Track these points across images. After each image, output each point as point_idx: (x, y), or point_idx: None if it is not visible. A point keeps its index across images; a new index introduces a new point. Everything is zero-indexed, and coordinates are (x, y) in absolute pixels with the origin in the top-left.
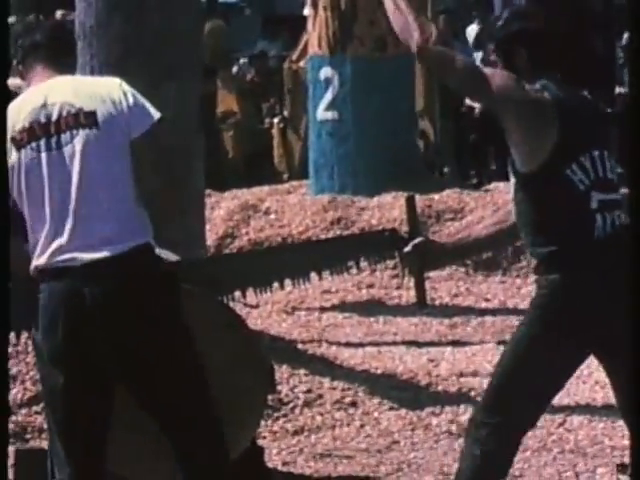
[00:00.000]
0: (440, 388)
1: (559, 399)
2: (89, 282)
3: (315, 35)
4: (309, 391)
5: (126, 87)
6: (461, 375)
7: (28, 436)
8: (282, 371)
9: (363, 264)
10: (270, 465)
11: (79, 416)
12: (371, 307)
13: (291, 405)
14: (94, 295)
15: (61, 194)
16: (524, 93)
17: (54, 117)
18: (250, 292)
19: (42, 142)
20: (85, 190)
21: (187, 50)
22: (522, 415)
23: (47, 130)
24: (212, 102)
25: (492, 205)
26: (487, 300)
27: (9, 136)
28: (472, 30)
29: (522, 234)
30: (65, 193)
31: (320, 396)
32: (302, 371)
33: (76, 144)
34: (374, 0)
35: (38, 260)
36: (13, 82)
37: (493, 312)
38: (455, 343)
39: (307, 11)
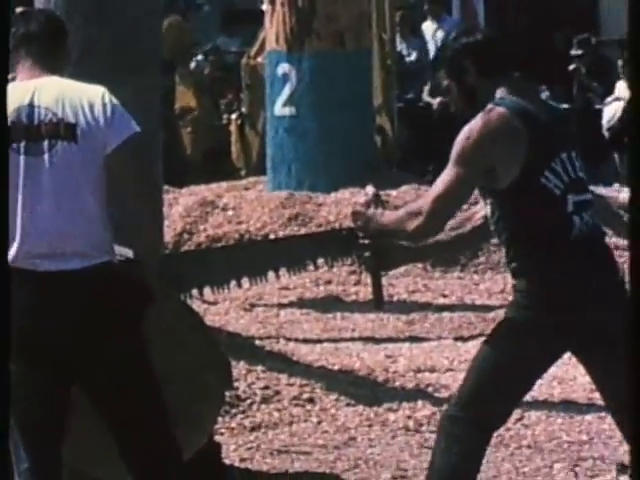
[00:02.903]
0: (397, 384)
1: None
2: (55, 291)
3: (273, 31)
4: (266, 387)
5: (108, 98)
6: (418, 371)
7: None
8: (240, 367)
9: (320, 262)
10: (227, 461)
11: (36, 410)
12: (329, 303)
13: (248, 401)
14: (61, 304)
15: (33, 201)
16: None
17: (35, 121)
18: (208, 290)
19: (22, 145)
20: (57, 202)
21: (146, 46)
22: (497, 412)
23: (27, 133)
24: (170, 98)
25: None
26: (445, 296)
27: None
28: (426, 27)
29: (504, 249)
30: (37, 201)
31: (277, 392)
32: (259, 367)
33: (53, 155)
34: None
35: (11, 255)
36: None
37: (451, 308)
38: (413, 339)
39: (265, 7)
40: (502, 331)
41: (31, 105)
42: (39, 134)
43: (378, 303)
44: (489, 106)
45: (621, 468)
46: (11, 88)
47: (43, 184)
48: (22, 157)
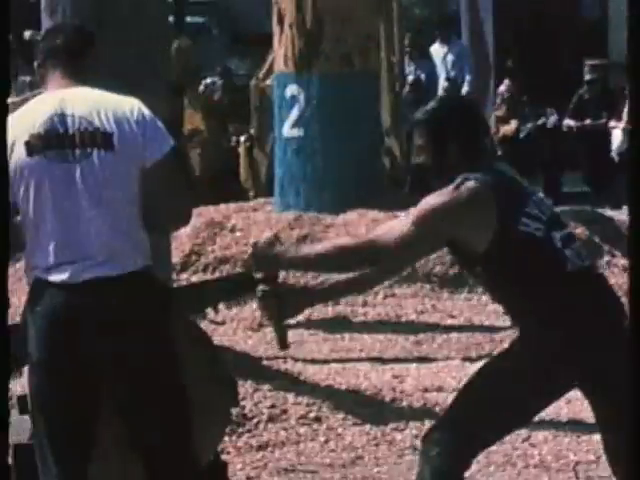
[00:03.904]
0: (404, 404)
1: None
2: (89, 299)
3: (281, 53)
4: (273, 406)
5: (145, 110)
6: (426, 391)
7: None
8: (246, 386)
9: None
10: None
11: (68, 421)
12: (337, 324)
13: (255, 420)
14: (93, 313)
15: (67, 210)
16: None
17: (70, 130)
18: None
19: (56, 153)
20: (91, 210)
21: (155, 69)
22: (481, 442)
23: (62, 142)
24: (179, 120)
25: None
26: (453, 317)
27: (24, 139)
28: (434, 50)
29: (503, 309)
30: (71, 209)
31: (284, 411)
32: (266, 386)
33: (90, 163)
34: (340, 18)
35: (36, 270)
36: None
37: (459, 329)
38: (420, 359)
39: (273, 29)
40: (502, 366)
41: (63, 114)
42: (74, 143)
43: (282, 346)
44: (458, 180)
45: None
46: (40, 99)
47: (78, 192)
48: (56, 166)
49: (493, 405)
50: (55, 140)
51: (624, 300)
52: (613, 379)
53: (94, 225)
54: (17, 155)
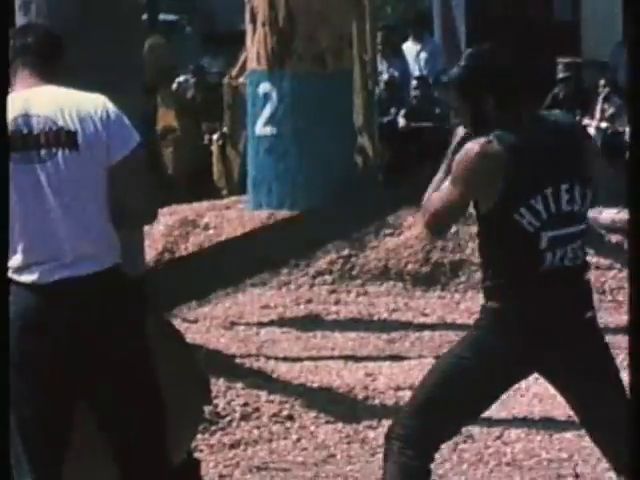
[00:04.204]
0: (377, 402)
1: (497, 412)
2: (58, 300)
3: (254, 50)
4: (246, 404)
5: (110, 107)
6: (398, 389)
7: None
8: (219, 384)
9: (302, 280)
10: (207, 478)
11: (41, 422)
12: (309, 322)
13: (228, 418)
14: (63, 313)
15: (35, 210)
16: (465, 171)
17: (35, 131)
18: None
19: (21, 155)
20: (58, 210)
21: (127, 66)
22: (442, 432)
23: (27, 143)
24: (152, 118)
25: None
26: (425, 315)
27: None
28: (407, 48)
29: (481, 268)
30: (38, 210)
31: (257, 409)
32: (239, 384)
33: (55, 163)
34: (313, 16)
35: (12, 268)
36: None
37: (431, 327)
38: (393, 358)
39: (246, 27)
40: (462, 349)
41: (28, 115)
42: (39, 143)
43: None
44: (489, 138)
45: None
46: (9, 100)
47: (44, 193)
48: (21, 167)
49: (452, 395)
50: (20, 141)
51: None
52: (583, 366)
53: (61, 225)
54: None
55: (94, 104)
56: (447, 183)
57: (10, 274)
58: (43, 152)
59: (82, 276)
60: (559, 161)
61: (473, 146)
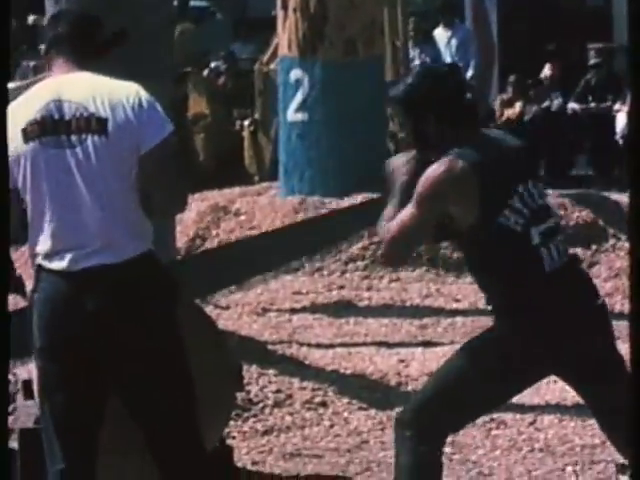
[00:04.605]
0: (410, 388)
1: (530, 398)
2: (88, 287)
3: (285, 37)
4: (279, 391)
5: (143, 95)
6: (431, 375)
7: None
8: (252, 371)
9: (334, 266)
10: (239, 464)
11: (73, 409)
12: (341, 308)
13: (261, 405)
14: (93, 300)
15: (63, 197)
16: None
17: (67, 116)
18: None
19: (51, 139)
20: (88, 196)
21: (156, 52)
22: (454, 425)
23: (58, 128)
24: (183, 105)
25: None
26: (457, 301)
27: (21, 126)
28: (438, 34)
29: (481, 290)
30: (67, 196)
31: (290, 396)
32: (272, 371)
33: (85, 149)
34: (344, 2)
35: (38, 257)
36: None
37: (463, 313)
38: (425, 344)
39: (277, 13)
40: (480, 346)
41: (60, 100)
42: (69, 129)
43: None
44: (448, 157)
45: (621, 468)
46: (41, 85)
47: (74, 178)
48: (52, 151)
49: (466, 391)
50: (51, 126)
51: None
52: (596, 359)
53: (90, 212)
54: (15, 142)
55: (127, 92)
56: (408, 209)
57: (39, 260)
58: (74, 138)
59: (111, 264)
60: (516, 162)
61: (439, 166)
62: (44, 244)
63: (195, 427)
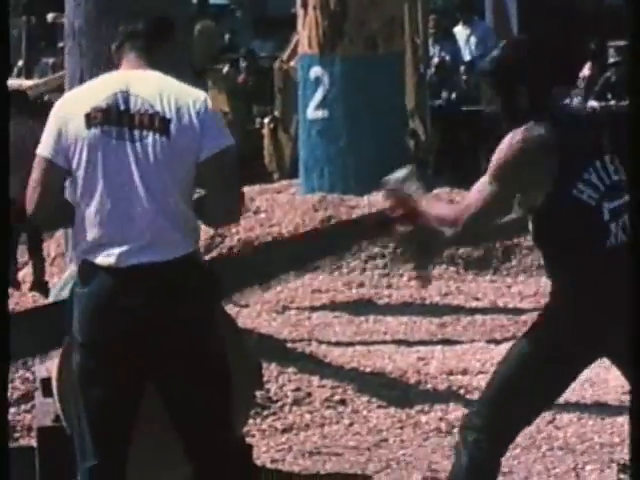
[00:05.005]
0: (429, 386)
1: None
2: (136, 284)
3: (305, 34)
4: (298, 389)
5: (209, 104)
6: (451, 373)
7: (17, 435)
8: (271, 369)
9: (354, 264)
10: (259, 463)
11: (111, 409)
12: (361, 306)
13: (280, 403)
14: (140, 297)
15: (117, 187)
16: (511, 166)
17: (132, 110)
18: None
19: (114, 129)
20: (142, 191)
21: (177, 51)
22: (518, 423)
23: (121, 120)
24: None
25: None
26: (477, 299)
27: (84, 111)
28: (458, 32)
29: (545, 264)
30: (121, 189)
31: (309, 394)
32: (291, 369)
33: (145, 145)
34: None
35: (83, 248)
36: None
37: (483, 311)
38: (445, 342)
39: (297, 11)
40: (534, 336)
41: (128, 93)
42: (133, 123)
43: (425, 284)
44: (528, 125)
45: (622, 467)
46: (108, 76)
47: (131, 173)
48: (113, 141)
49: (525, 385)
50: (115, 116)
51: None
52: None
53: (143, 207)
54: (76, 126)
55: (194, 97)
56: (483, 183)
57: (84, 254)
58: (136, 132)
59: (160, 261)
60: (595, 135)
61: (514, 136)
62: (90, 233)
63: (231, 427)
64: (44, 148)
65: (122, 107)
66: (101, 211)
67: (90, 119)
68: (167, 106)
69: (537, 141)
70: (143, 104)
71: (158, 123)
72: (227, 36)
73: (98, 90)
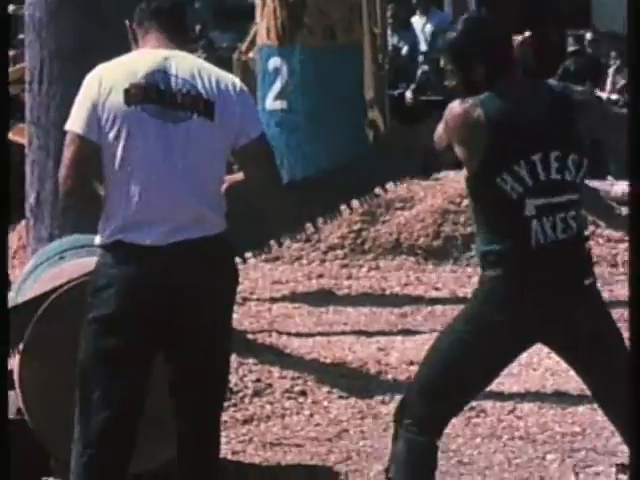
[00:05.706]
0: (390, 376)
1: (509, 386)
2: (176, 261)
3: (264, 25)
4: (258, 380)
5: (245, 88)
6: (411, 364)
7: None
8: (231, 361)
9: (313, 255)
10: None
11: (119, 384)
12: (321, 297)
13: (240, 394)
14: (180, 275)
15: (154, 166)
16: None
17: (173, 89)
18: None
19: (155, 108)
20: (179, 171)
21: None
22: (452, 407)
23: (163, 98)
24: None
25: (442, 194)
26: (437, 289)
27: (123, 87)
28: (415, 21)
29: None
30: (159, 167)
31: (269, 385)
32: (251, 360)
33: (187, 126)
34: None
35: (119, 228)
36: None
37: (443, 301)
38: (405, 332)
39: (256, 1)
40: (462, 324)
41: (167, 72)
42: (175, 103)
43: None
44: (471, 101)
45: (621, 468)
46: (141, 53)
47: (172, 151)
48: (154, 120)
49: (457, 372)
50: (156, 95)
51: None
52: (586, 335)
53: (183, 187)
54: (113, 101)
55: (232, 81)
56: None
57: (114, 233)
58: (180, 113)
59: (201, 237)
60: (550, 128)
61: (459, 105)
62: (127, 211)
63: (220, 417)
64: (75, 123)
65: (162, 86)
66: (137, 189)
67: (130, 96)
68: (209, 88)
69: (473, 120)
70: (184, 84)
71: (202, 105)
72: (198, 27)
73: (136, 67)
